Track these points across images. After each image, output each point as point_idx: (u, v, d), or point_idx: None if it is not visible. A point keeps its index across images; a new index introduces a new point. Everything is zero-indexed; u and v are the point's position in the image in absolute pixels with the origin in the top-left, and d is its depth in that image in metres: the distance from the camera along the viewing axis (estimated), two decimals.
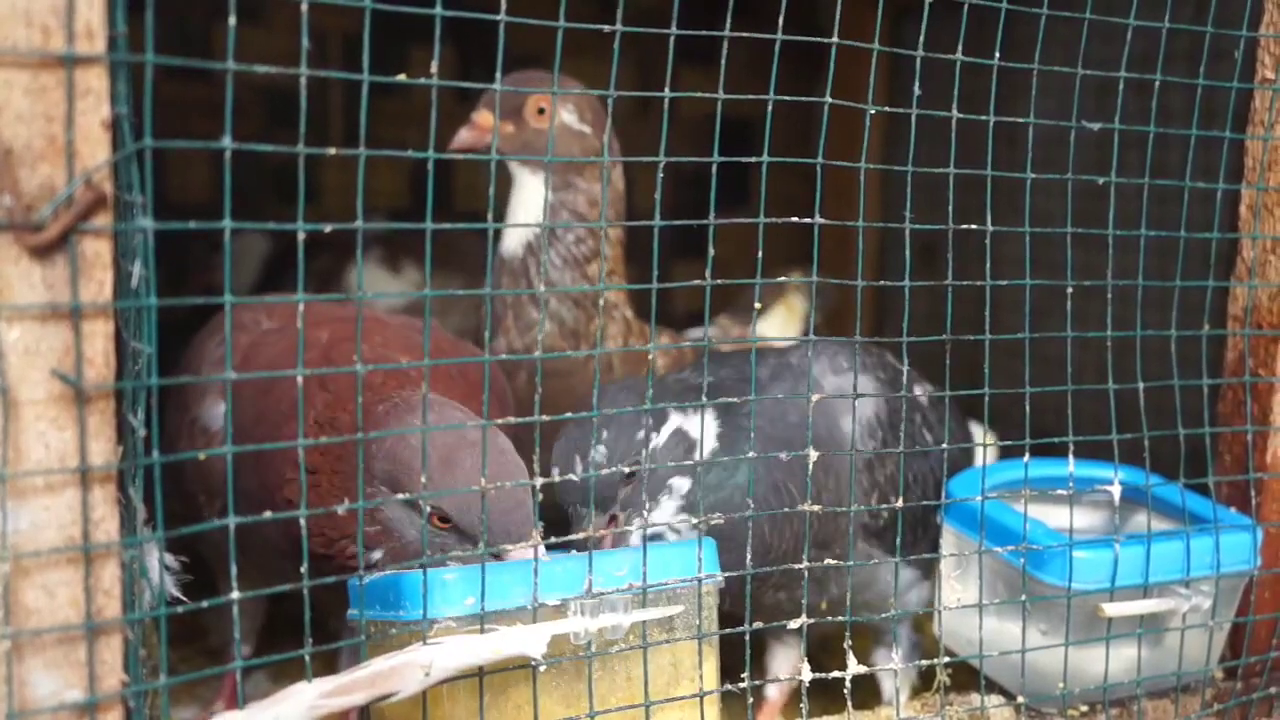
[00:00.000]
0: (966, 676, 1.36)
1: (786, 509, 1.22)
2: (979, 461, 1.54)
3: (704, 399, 1.12)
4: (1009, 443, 1.46)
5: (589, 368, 1.55)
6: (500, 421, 1.00)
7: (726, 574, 1.11)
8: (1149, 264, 1.24)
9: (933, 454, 1.40)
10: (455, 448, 1.08)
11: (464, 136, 1.50)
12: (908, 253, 1.11)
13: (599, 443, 1.17)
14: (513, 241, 1.56)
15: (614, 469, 1.15)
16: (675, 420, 1.25)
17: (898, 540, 1.19)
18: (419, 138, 2.47)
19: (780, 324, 2.03)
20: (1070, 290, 1.19)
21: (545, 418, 0.98)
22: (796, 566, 1.12)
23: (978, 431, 1.64)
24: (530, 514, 1.07)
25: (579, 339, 1.55)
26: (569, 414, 1.07)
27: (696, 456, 1.21)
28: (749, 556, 1.10)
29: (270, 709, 0.89)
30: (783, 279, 1.73)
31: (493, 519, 1.04)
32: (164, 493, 1.11)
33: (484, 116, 1.50)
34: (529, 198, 1.56)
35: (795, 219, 1.06)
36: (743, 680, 1.09)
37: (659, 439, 1.23)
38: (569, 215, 1.55)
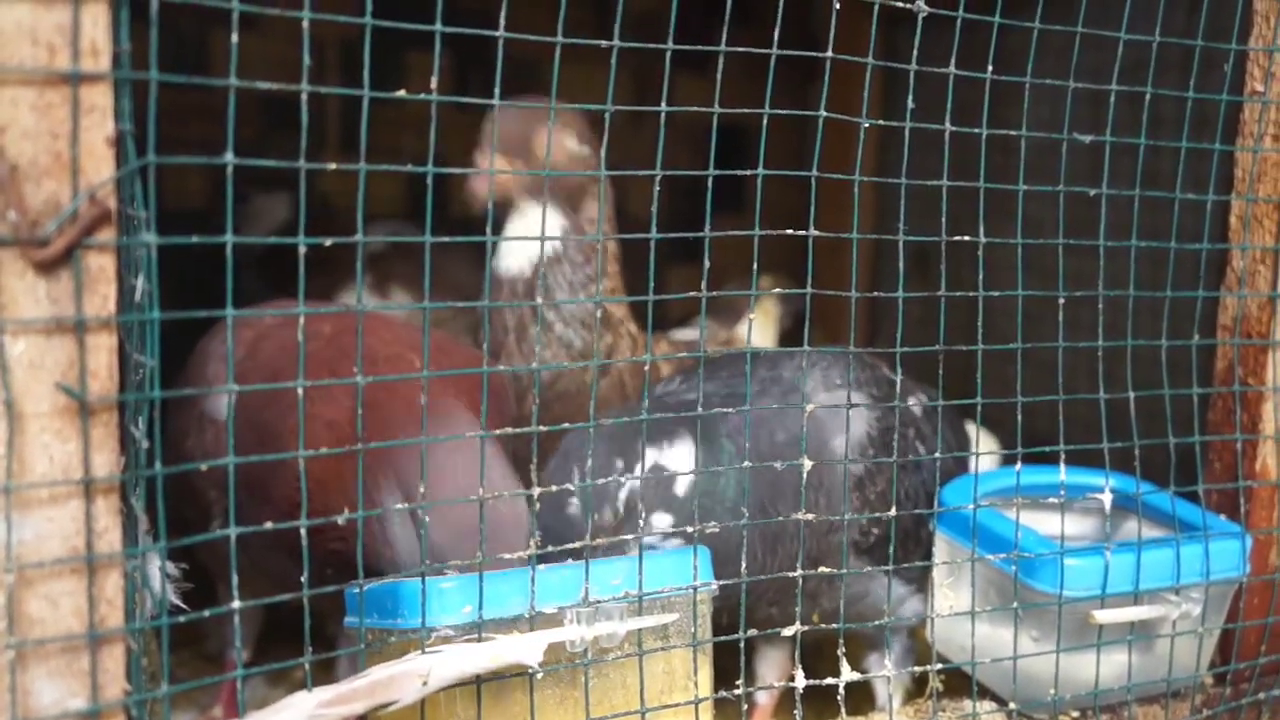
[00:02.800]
0: (959, 682, 1.37)
1: (775, 530, 1.22)
2: (974, 466, 1.55)
3: (678, 432, 1.10)
4: (1003, 451, 1.47)
5: (598, 388, 1.55)
6: (499, 432, 1.01)
7: (721, 582, 1.12)
8: (1141, 271, 1.25)
9: (925, 467, 1.41)
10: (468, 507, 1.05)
11: (480, 188, 1.50)
12: (901, 264, 1.12)
13: (572, 496, 1.15)
14: (516, 261, 1.55)
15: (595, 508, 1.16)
16: (651, 456, 1.22)
17: (891, 550, 1.20)
18: (415, 143, 2.47)
19: (756, 329, 2.04)
20: (1061, 300, 1.20)
21: (543, 428, 0.99)
22: (790, 575, 1.13)
23: (974, 430, 1.65)
24: None
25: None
26: (565, 425, 1.08)
27: (676, 491, 1.20)
28: (743, 565, 1.11)
29: (270, 718, 0.90)
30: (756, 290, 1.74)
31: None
32: (173, 494, 1.12)
33: (497, 161, 1.49)
34: (534, 225, 1.55)
35: (790, 231, 1.07)
36: (736, 687, 1.10)
37: (635, 481, 1.20)
38: (572, 238, 1.55)
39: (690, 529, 1.11)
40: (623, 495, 1.18)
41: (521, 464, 1.06)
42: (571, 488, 1.16)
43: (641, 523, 1.14)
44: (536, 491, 1.02)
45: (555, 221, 1.56)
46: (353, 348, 1.22)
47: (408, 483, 1.11)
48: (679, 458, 1.23)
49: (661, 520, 1.23)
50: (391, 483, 1.12)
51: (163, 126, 0.80)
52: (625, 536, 1.17)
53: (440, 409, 1.15)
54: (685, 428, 1.25)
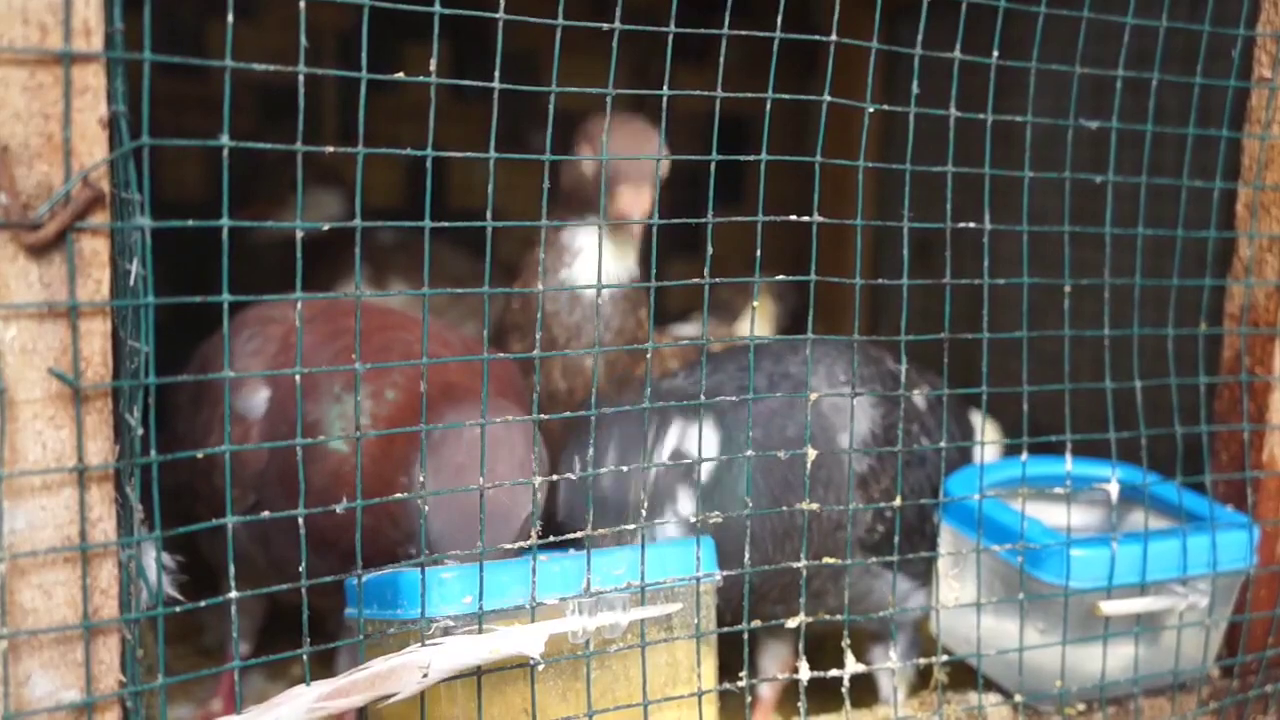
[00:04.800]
0: (964, 675, 1.36)
1: (785, 527, 1.21)
2: (978, 456, 1.53)
3: (702, 412, 1.11)
4: (1009, 440, 1.46)
5: (623, 396, 1.54)
6: (500, 420, 1.00)
7: (725, 573, 1.11)
8: (1146, 262, 1.24)
9: (930, 462, 1.39)
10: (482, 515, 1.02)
11: (633, 210, 1.45)
12: (905, 250, 1.11)
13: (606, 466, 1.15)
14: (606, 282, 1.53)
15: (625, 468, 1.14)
16: (674, 438, 1.23)
17: (896, 542, 1.18)
18: (413, 134, 2.46)
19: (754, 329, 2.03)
20: (1067, 289, 1.19)
21: (545, 416, 0.98)
22: (794, 565, 1.12)
23: (978, 421, 1.64)
24: None
25: (627, 383, 1.55)
26: (570, 414, 1.06)
27: (697, 476, 1.20)
28: (747, 556, 1.10)
29: (268, 712, 0.89)
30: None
31: None
32: (185, 494, 1.10)
33: (644, 195, 1.45)
34: (628, 253, 1.55)
35: (794, 217, 1.06)
36: (740, 679, 1.09)
37: (662, 455, 1.21)
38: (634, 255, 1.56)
39: (706, 519, 1.10)
40: (650, 475, 1.18)
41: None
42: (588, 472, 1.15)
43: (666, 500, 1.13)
44: (538, 481, 1.01)
45: (635, 248, 1.56)
46: (387, 343, 1.22)
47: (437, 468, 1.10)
48: (701, 440, 1.23)
49: (684, 504, 1.22)
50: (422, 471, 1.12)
51: (160, 118, 0.79)
52: (665, 507, 1.18)
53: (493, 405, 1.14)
54: (707, 414, 1.25)
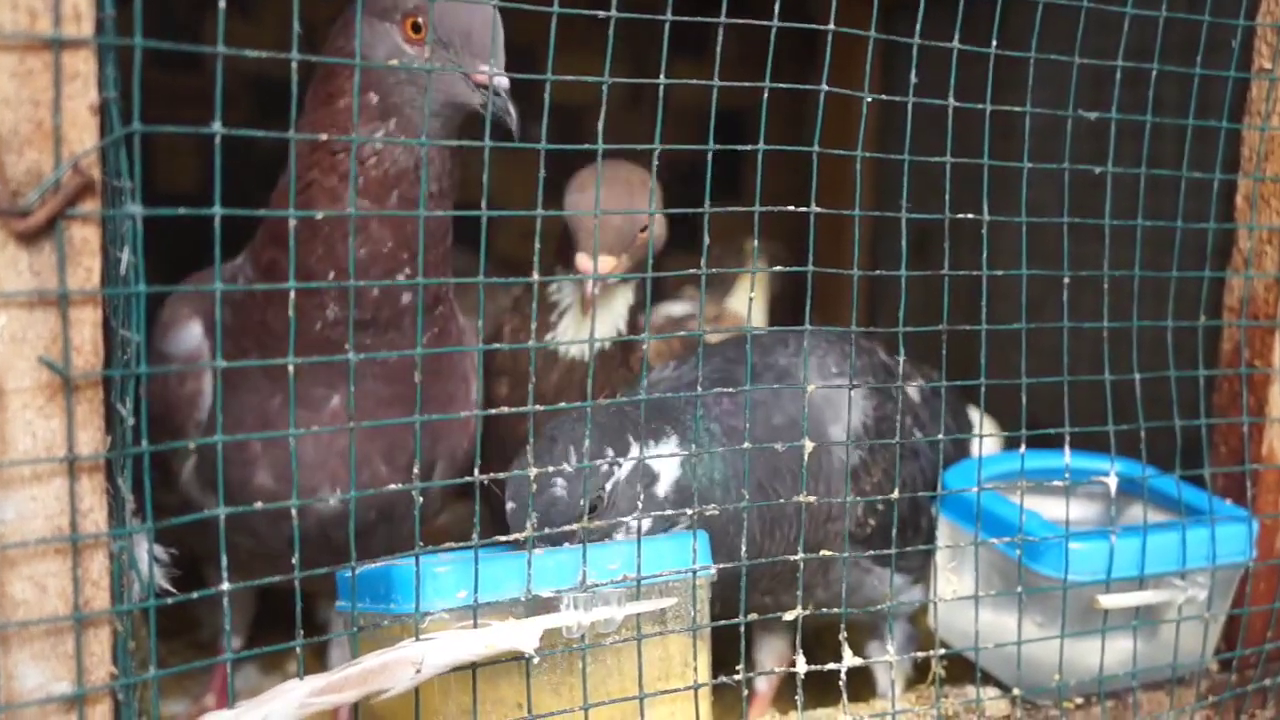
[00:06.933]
0: (962, 669, 1.35)
1: (774, 514, 1.20)
2: (975, 450, 1.53)
3: (662, 426, 1.07)
4: (1008, 434, 1.45)
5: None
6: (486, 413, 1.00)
7: (720, 565, 1.10)
8: (1144, 255, 1.23)
9: (923, 455, 1.38)
10: None
11: (592, 292, 1.35)
12: (904, 242, 1.10)
13: (557, 476, 1.09)
14: (580, 350, 1.43)
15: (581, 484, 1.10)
16: (635, 452, 1.16)
17: (893, 540, 1.17)
18: None
19: (748, 294, 1.95)
20: (1066, 281, 1.19)
21: (540, 408, 0.97)
22: (790, 560, 1.11)
23: (975, 417, 1.63)
24: (498, 37, 1.01)
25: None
26: (565, 406, 1.06)
27: (657, 491, 1.15)
28: (743, 549, 1.09)
29: (260, 707, 0.88)
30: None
31: (459, 32, 1.02)
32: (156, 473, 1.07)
33: (606, 262, 1.38)
34: (615, 307, 1.46)
35: (791, 208, 1.05)
36: (736, 673, 1.09)
37: (621, 473, 1.14)
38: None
39: (688, 511, 1.09)
40: (608, 486, 1.14)
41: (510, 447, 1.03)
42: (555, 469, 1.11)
43: (623, 515, 1.11)
44: (534, 474, 1.00)
45: (627, 298, 1.47)
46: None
47: None
48: (665, 457, 1.18)
49: (644, 520, 1.15)
50: None
51: (153, 112, 0.78)
52: (619, 520, 1.13)
53: None
54: (670, 425, 1.20)
